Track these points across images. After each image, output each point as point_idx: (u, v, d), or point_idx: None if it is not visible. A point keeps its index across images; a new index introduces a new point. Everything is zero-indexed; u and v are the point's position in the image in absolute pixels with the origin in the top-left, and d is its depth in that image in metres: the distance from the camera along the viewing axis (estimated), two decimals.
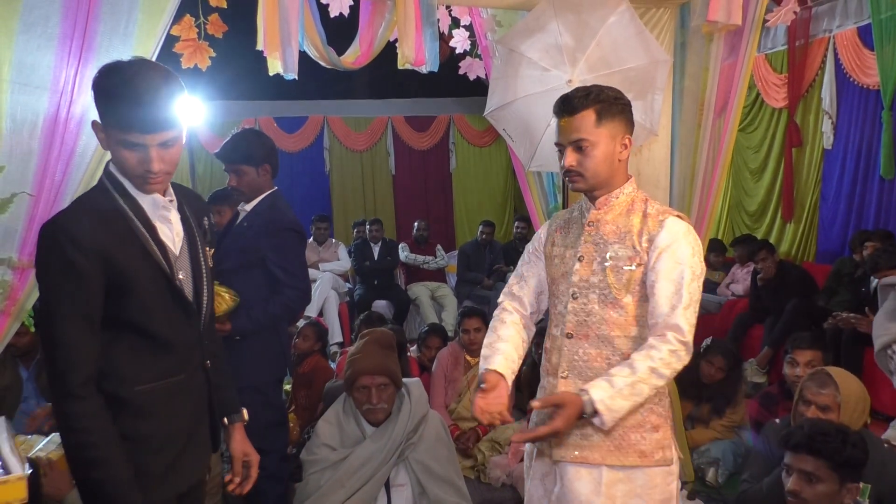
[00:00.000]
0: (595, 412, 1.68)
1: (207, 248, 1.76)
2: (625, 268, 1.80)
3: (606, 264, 1.81)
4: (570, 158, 1.80)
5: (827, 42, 5.61)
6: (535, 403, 1.77)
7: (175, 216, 1.66)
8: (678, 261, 1.74)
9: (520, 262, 2.08)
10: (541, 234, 2.05)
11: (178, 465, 1.68)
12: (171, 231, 1.65)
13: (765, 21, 2.70)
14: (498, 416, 1.79)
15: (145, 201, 1.59)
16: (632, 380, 1.69)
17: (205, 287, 1.71)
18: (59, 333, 1.48)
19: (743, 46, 2.72)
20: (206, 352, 1.75)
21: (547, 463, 1.93)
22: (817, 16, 5.70)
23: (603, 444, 1.81)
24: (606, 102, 1.78)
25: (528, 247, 2.07)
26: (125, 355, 1.57)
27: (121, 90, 1.43)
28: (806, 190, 6.02)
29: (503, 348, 1.91)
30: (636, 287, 1.79)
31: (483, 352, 1.95)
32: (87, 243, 1.47)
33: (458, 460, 2.92)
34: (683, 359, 1.73)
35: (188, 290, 1.67)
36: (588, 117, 1.77)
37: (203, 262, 1.72)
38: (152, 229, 1.59)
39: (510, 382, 1.86)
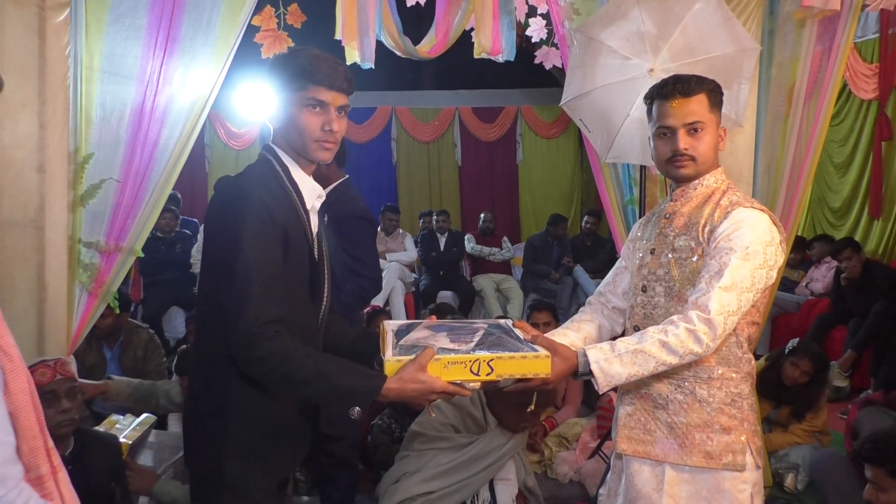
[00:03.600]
0: (590, 373, 1.63)
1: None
2: (687, 260, 1.77)
3: (671, 256, 1.80)
4: (685, 141, 1.77)
5: None
6: (527, 335, 1.70)
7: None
8: (732, 246, 1.67)
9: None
10: (632, 231, 2.07)
11: (285, 452, 1.70)
12: (312, 220, 1.69)
13: (864, 6, 2.54)
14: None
15: (305, 187, 1.66)
16: (635, 347, 1.64)
17: (326, 279, 1.75)
18: (250, 287, 1.47)
19: (839, 33, 2.57)
20: (320, 344, 1.77)
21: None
22: None
23: (666, 440, 1.79)
24: (715, 91, 1.79)
25: (624, 247, 2.11)
26: None
27: (314, 56, 1.58)
28: None
29: (561, 330, 1.99)
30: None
31: None
32: (277, 216, 1.55)
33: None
34: (703, 341, 1.63)
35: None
36: (703, 101, 1.76)
37: (326, 255, 1.76)
38: (307, 214, 1.66)
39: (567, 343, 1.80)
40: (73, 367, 2.57)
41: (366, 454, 3.27)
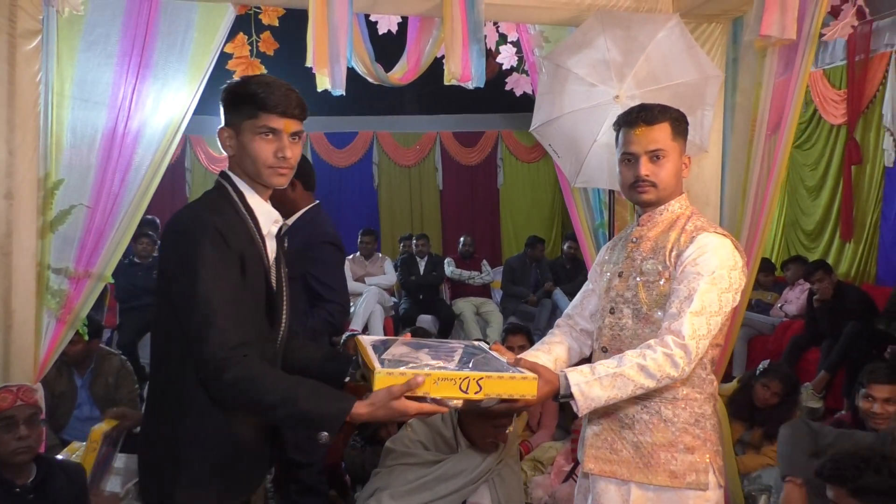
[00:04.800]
0: (570, 395, 1.66)
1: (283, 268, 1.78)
2: (654, 283, 1.81)
3: (639, 279, 1.84)
4: (646, 168, 1.81)
5: (889, 57, 5.41)
6: (509, 358, 1.71)
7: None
8: (699, 271, 1.72)
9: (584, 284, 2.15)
10: (600, 254, 2.11)
11: (240, 478, 1.68)
12: (269, 246, 1.69)
13: (821, 35, 2.61)
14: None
15: (261, 213, 1.65)
16: (615, 371, 1.66)
17: (284, 305, 1.74)
18: (212, 312, 1.46)
19: (798, 62, 2.63)
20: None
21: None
22: (878, 30, 5.51)
23: (632, 459, 1.82)
24: (679, 120, 1.84)
25: (591, 270, 2.14)
26: None
27: (266, 84, 1.58)
28: (866, 209, 5.81)
29: (532, 352, 2.00)
30: (666, 303, 1.78)
31: None
32: (232, 242, 1.54)
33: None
34: (679, 365, 1.67)
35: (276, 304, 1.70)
36: (665, 129, 1.81)
37: (284, 280, 1.76)
38: (263, 239, 1.65)
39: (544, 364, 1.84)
40: (40, 395, 2.54)
41: (337, 479, 3.25)
